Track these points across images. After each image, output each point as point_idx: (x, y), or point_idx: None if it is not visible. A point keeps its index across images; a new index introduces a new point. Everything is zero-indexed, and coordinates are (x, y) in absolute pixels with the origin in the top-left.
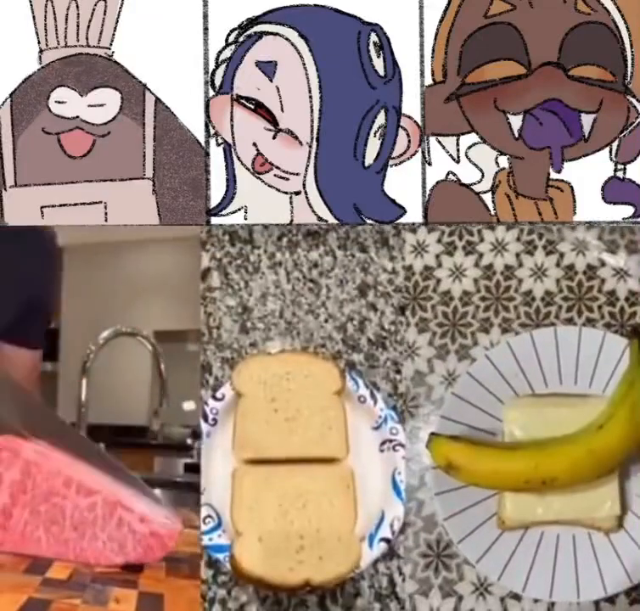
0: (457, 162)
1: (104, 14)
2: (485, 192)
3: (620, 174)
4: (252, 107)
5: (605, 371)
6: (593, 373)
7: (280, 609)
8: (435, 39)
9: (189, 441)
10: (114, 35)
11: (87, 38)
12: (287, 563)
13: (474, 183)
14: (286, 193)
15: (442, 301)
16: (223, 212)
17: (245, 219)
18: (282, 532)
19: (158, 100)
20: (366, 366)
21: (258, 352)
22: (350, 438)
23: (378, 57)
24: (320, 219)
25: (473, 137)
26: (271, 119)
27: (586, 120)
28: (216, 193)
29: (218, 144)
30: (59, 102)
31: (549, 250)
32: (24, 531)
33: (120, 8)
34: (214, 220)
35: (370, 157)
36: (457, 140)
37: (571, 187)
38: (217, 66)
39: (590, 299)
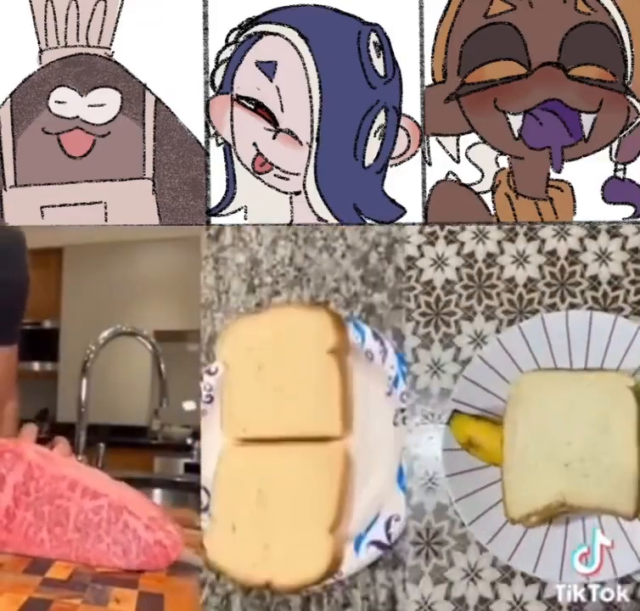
0: (457, 162)
1: (104, 14)
2: (485, 192)
3: (620, 174)
4: (252, 107)
5: (616, 354)
6: (604, 357)
7: (263, 604)
8: (435, 39)
9: (189, 441)
10: (114, 35)
11: (87, 38)
12: (251, 559)
13: (474, 183)
14: (286, 193)
15: (425, 291)
16: (223, 212)
17: (245, 219)
18: (254, 523)
19: (158, 100)
20: (390, 307)
21: (242, 313)
22: (358, 408)
23: (378, 57)
24: (320, 219)
25: (473, 137)
26: (271, 119)
27: (586, 120)
28: (216, 193)
29: (218, 144)
30: (59, 102)
31: (530, 237)
32: (27, 532)
33: (120, 8)
34: (214, 220)
35: (370, 157)
36: (457, 140)
37: (571, 187)
38: (217, 66)
39: (572, 285)
